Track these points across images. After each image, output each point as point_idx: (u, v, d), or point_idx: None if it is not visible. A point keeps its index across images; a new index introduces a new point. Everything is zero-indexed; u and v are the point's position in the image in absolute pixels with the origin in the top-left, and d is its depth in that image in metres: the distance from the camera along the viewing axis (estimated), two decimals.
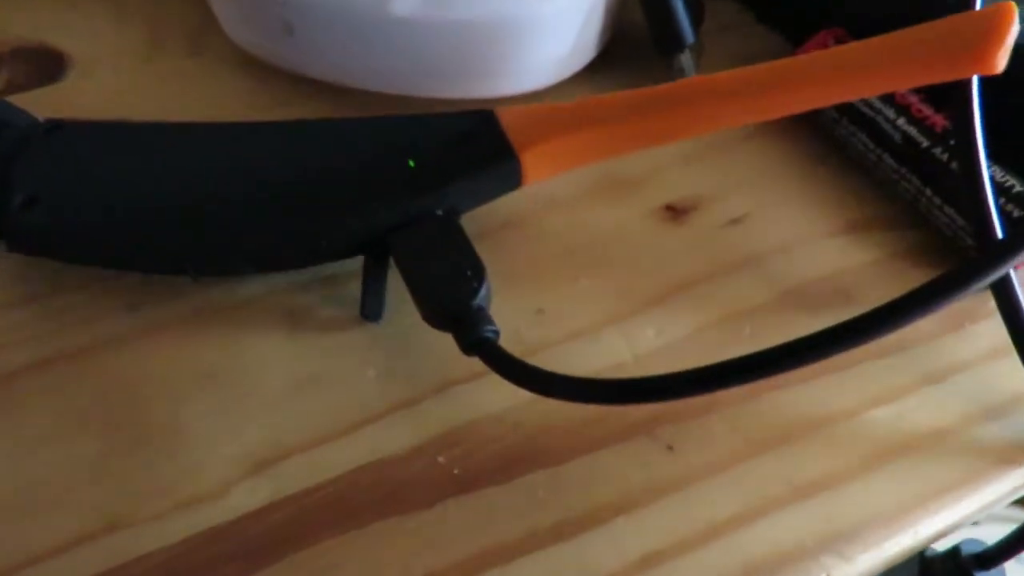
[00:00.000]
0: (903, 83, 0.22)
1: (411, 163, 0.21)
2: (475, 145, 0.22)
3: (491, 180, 0.22)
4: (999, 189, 0.23)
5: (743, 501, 0.19)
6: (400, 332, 0.22)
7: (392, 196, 0.21)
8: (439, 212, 0.21)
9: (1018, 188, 0.23)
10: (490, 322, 0.19)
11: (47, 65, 0.29)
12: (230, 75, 0.29)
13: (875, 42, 0.19)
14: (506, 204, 0.23)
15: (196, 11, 0.31)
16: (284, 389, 0.20)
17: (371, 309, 0.22)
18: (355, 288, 0.22)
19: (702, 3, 0.27)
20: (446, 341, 0.20)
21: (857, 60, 0.19)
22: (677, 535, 0.19)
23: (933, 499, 0.20)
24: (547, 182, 0.22)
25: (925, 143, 0.23)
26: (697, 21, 0.27)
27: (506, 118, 0.22)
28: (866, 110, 0.25)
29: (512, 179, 0.22)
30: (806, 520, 0.19)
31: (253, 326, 0.22)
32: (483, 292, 0.19)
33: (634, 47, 0.29)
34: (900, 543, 0.19)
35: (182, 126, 0.23)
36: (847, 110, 0.25)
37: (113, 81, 0.29)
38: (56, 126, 0.22)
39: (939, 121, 0.24)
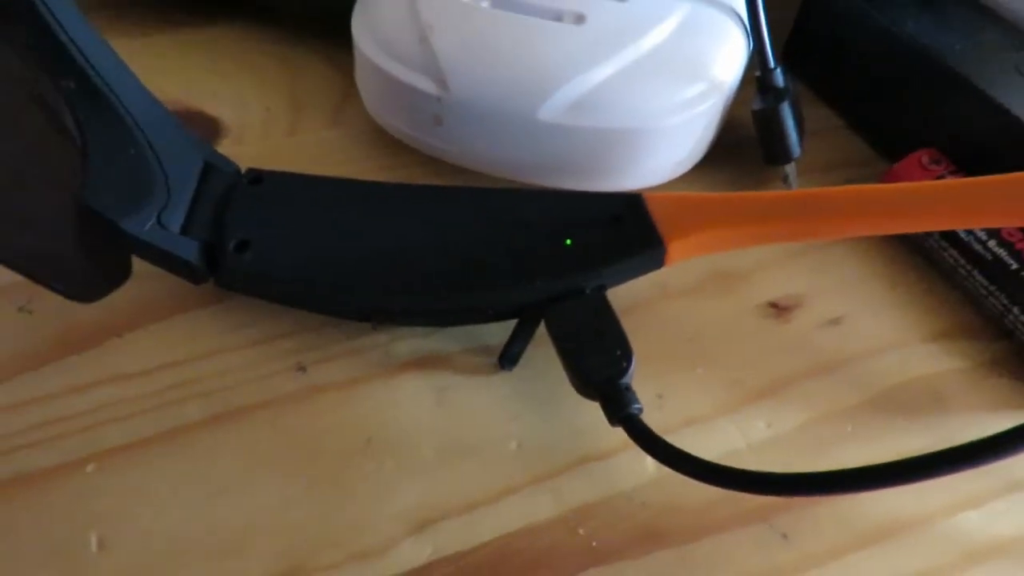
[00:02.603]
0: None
1: (568, 241, 0.24)
2: (626, 230, 0.24)
3: (639, 263, 0.24)
4: None
5: None
6: (538, 406, 0.24)
7: (552, 272, 0.23)
8: (588, 288, 0.23)
9: None
10: (636, 400, 0.22)
11: (203, 130, 0.32)
12: (368, 149, 0.32)
13: (1009, 181, 0.21)
14: (628, 289, 0.25)
15: (335, 84, 0.34)
16: (435, 457, 0.23)
17: (509, 360, 0.25)
18: (496, 356, 0.25)
19: (803, 118, 0.30)
20: (579, 418, 0.23)
21: (987, 196, 0.21)
22: None
23: None
24: (661, 272, 0.25)
25: (1014, 265, 0.26)
26: (802, 135, 0.29)
27: (653, 204, 0.24)
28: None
29: (656, 263, 0.24)
30: None
31: (405, 394, 0.24)
32: (631, 371, 0.22)
33: (732, 145, 0.32)
34: None
35: (371, 184, 0.26)
36: None
37: (263, 148, 0.31)
38: (258, 177, 0.25)
39: None
